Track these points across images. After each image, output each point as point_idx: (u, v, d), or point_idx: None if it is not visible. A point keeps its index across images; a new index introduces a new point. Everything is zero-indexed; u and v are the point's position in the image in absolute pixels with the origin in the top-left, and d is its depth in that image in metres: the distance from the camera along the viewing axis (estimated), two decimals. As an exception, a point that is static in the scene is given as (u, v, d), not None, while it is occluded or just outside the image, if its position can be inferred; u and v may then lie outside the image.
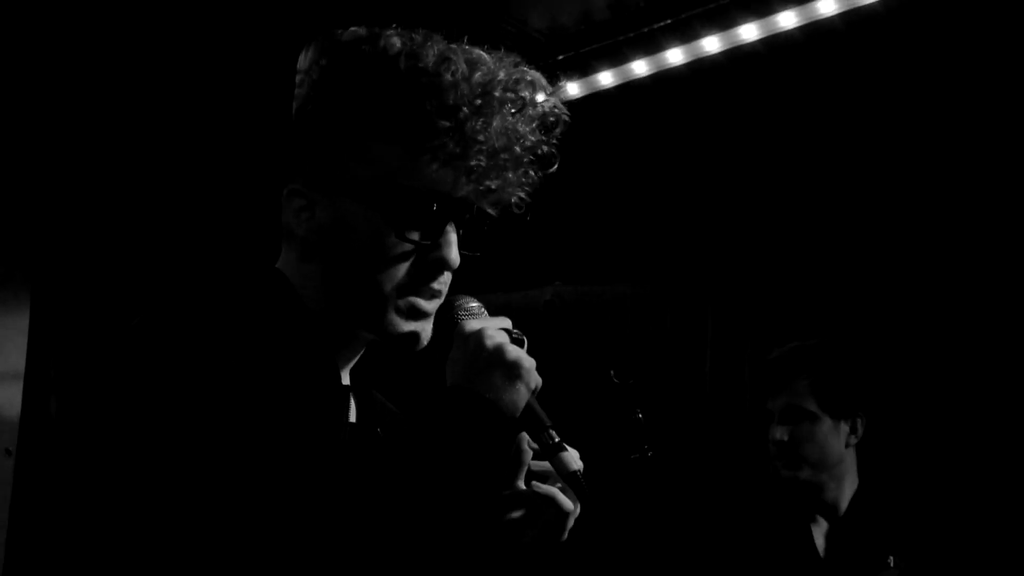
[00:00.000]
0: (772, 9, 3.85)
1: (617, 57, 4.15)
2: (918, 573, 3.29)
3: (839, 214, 4.39)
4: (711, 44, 3.98)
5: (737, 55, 4.02)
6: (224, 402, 1.49)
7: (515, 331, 1.71)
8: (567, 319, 4.24)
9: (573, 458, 1.67)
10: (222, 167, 4.57)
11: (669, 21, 3.98)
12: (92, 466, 1.55)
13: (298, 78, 1.77)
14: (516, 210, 1.79)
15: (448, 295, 1.75)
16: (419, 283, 1.71)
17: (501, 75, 1.70)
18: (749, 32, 3.92)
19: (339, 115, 1.70)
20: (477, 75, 1.67)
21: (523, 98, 1.71)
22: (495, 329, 1.67)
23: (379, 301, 1.70)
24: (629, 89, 4.24)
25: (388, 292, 1.69)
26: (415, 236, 1.68)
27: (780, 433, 3.40)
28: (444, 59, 1.66)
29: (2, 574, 4.40)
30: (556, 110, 1.77)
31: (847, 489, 3.45)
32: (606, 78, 4.22)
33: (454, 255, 1.71)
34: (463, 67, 1.66)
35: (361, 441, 1.77)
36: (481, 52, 1.71)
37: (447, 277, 1.75)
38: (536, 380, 1.66)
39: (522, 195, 1.78)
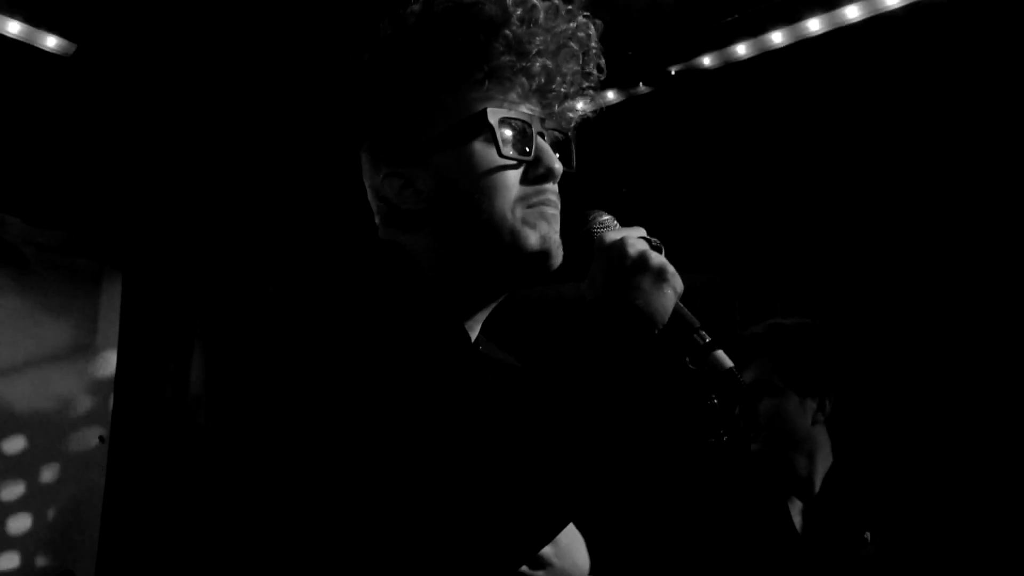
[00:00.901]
0: (840, 2, 3.92)
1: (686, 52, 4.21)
2: (894, 548, 3.32)
3: (905, 204, 4.43)
4: (776, 37, 4.04)
5: (803, 47, 4.06)
6: (366, 368, 1.48)
7: (653, 239, 1.71)
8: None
9: (724, 358, 1.67)
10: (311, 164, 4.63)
11: (737, 16, 4.04)
12: (242, 434, 1.57)
13: (347, 92, 1.84)
14: (592, 113, 1.86)
15: (581, 213, 1.76)
16: (535, 195, 1.73)
17: None
18: (814, 25, 3.97)
19: (401, 88, 1.75)
20: None
21: (556, 3, 1.76)
22: (635, 238, 1.68)
23: (506, 222, 1.71)
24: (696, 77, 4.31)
25: (510, 210, 1.70)
26: (515, 154, 1.71)
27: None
28: None
29: (97, 556, 4.54)
30: (586, 16, 1.80)
31: (820, 467, 3.45)
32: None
33: (556, 164, 1.74)
34: None
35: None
36: None
37: (555, 188, 1.76)
38: (680, 284, 1.66)
39: (590, 98, 1.83)
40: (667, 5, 4.07)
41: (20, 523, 4.41)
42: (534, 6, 1.73)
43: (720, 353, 1.66)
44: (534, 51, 1.72)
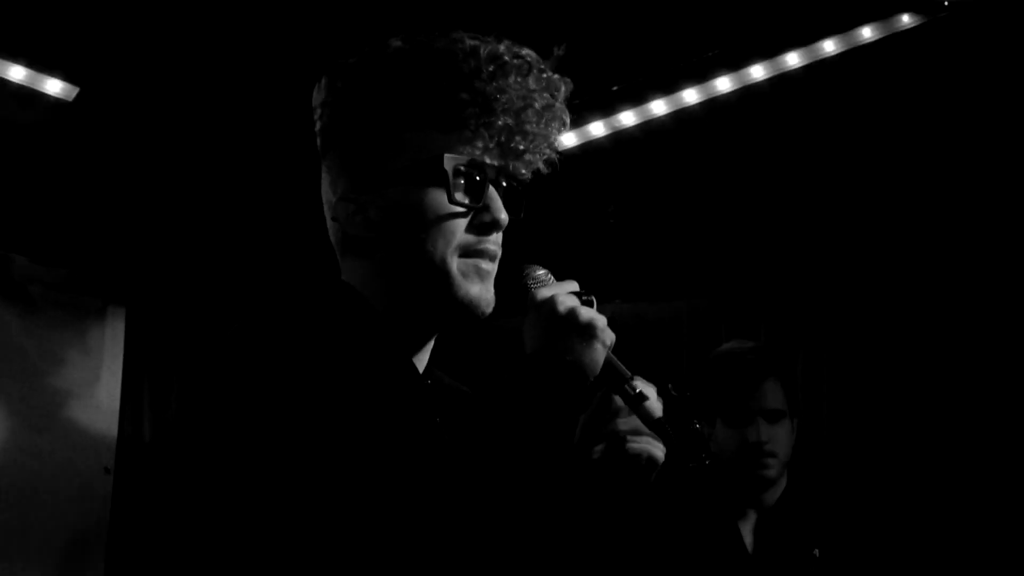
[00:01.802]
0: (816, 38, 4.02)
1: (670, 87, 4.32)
2: (841, 563, 3.39)
3: (886, 228, 4.53)
4: (757, 72, 4.16)
5: (783, 79, 4.17)
6: (316, 410, 1.56)
7: (583, 292, 1.77)
8: (627, 335, 4.40)
9: (656, 407, 1.74)
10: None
11: (719, 51, 4.15)
12: (196, 476, 1.64)
13: (317, 111, 1.89)
14: (547, 169, 1.89)
15: (515, 265, 1.83)
16: (476, 244, 1.80)
17: (503, 46, 1.79)
18: (792, 60, 4.08)
19: (369, 118, 1.81)
20: (485, 48, 1.78)
21: (529, 61, 1.80)
22: (565, 294, 1.74)
23: (442, 268, 1.77)
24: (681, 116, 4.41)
25: (449, 257, 1.77)
26: (464, 201, 1.77)
27: (766, 434, 3.46)
28: (451, 41, 1.79)
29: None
30: (556, 76, 1.83)
31: (780, 488, 3.52)
32: (659, 107, 4.38)
33: (503, 214, 1.80)
34: (469, 43, 1.78)
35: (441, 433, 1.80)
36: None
37: (499, 238, 1.83)
38: (611, 336, 1.72)
39: (549, 154, 1.87)
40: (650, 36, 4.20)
41: (26, 555, 4.45)
42: (505, 63, 1.78)
43: (650, 404, 1.74)
44: (499, 108, 1.77)
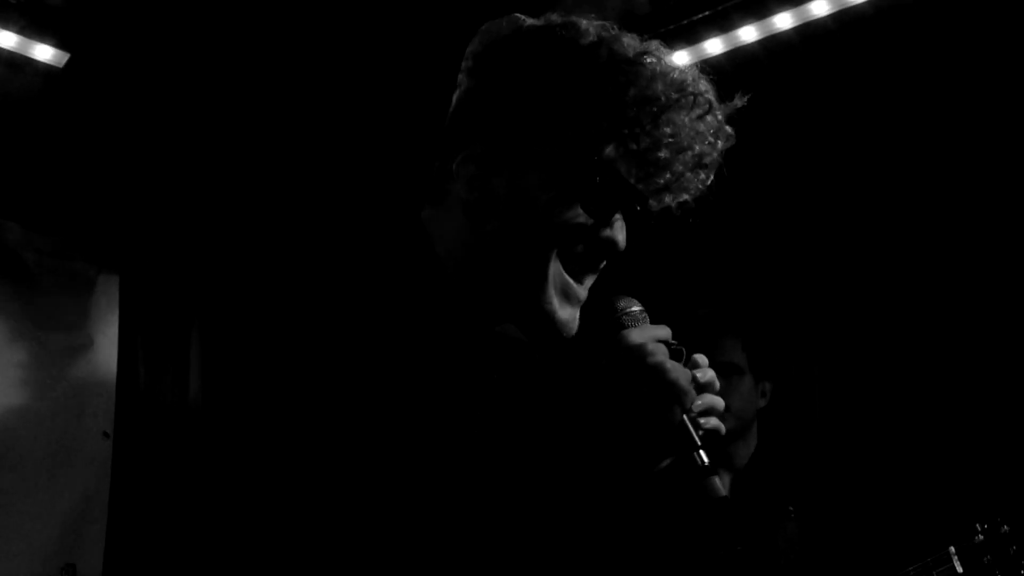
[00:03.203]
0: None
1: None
2: (815, 521, 3.49)
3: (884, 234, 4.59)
4: (748, 34, 4.18)
5: (773, 45, 4.19)
6: (361, 378, 1.53)
7: (674, 342, 1.67)
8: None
9: (720, 486, 1.66)
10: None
11: (707, 12, 4.17)
12: (235, 437, 1.60)
13: (471, 61, 1.79)
14: (676, 212, 1.80)
15: (608, 293, 1.73)
16: (585, 262, 1.73)
17: (690, 76, 1.73)
18: (784, 21, 4.11)
19: (533, 93, 1.71)
20: (675, 72, 1.70)
21: (710, 102, 1.73)
22: (655, 343, 1.64)
23: (541, 275, 1.70)
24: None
25: (552, 267, 1.70)
26: (595, 213, 1.69)
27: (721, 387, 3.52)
28: (643, 52, 1.71)
29: (105, 553, 4.62)
30: (728, 128, 1.78)
31: (750, 447, 3.59)
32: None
33: (623, 238, 1.73)
34: (663, 63, 1.70)
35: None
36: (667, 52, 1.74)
37: (602, 264, 1.76)
38: (693, 397, 1.64)
39: (687, 200, 1.79)
40: (641, 6, 4.21)
41: (25, 521, 4.47)
42: (691, 98, 1.71)
43: (715, 480, 1.66)
44: (663, 142, 1.69)
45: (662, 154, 1.70)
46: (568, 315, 1.75)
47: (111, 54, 4.25)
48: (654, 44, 1.76)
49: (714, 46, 4.22)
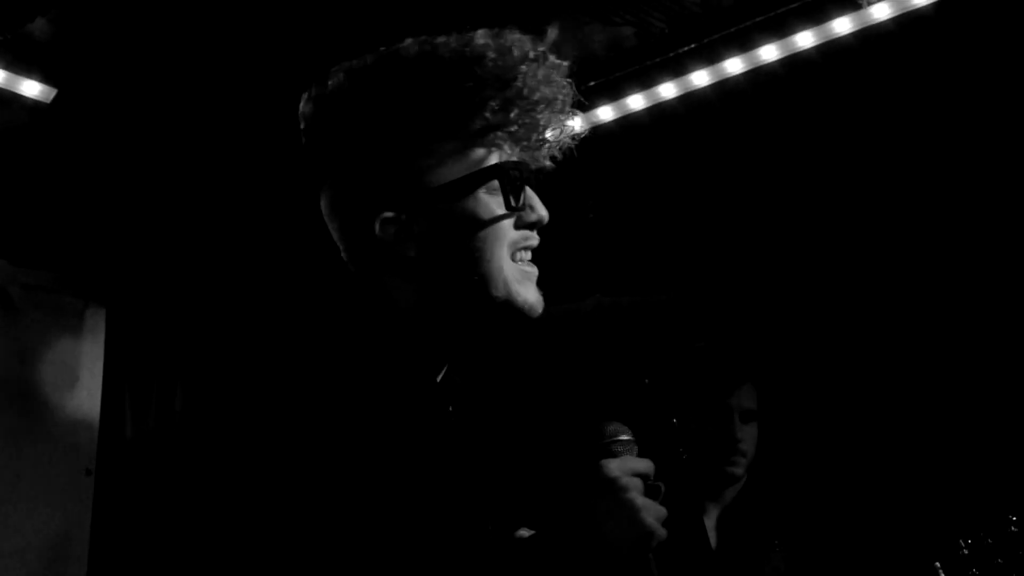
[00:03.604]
0: (791, 29, 4.03)
1: (646, 81, 4.34)
2: (800, 555, 3.47)
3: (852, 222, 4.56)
4: (734, 66, 4.18)
5: (759, 77, 4.19)
6: (313, 435, 1.59)
7: (652, 480, 1.73)
8: (608, 329, 4.42)
9: None
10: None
11: (693, 45, 4.17)
12: (183, 478, 1.69)
13: (317, 122, 1.86)
14: (567, 154, 1.93)
15: (602, 421, 1.80)
16: (523, 242, 1.84)
17: (512, 41, 1.82)
18: (769, 53, 4.09)
19: (393, 131, 1.79)
20: (496, 46, 1.80)
21: (540, 52, 1.83)
22: (631, 478, 1.71)
23: (499, 274, 1.79)
24: (657, 111, 4.42)
25: (504, 261, 1.80)
26: (514, 205, 1.79)
27: (740, 432, 3.53)
28: (462, 43, 1.81)
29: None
30: (561, 62, 1.88)
31: (739, 485, 3.59)
32: (636, 101, 4.40)
33: (544, 210, 1.85)
34: (480, 44, 1.80)
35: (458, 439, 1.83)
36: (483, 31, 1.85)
37: (535, 233, 1.87)
38: (660, 537, 1.70)
39: (569, 141, 1.92)
40: (627, 39, 4.23)
41: (7, 556, 4.45)
42: (537, 61, 1.82)
43: None
44: (523, 107, 1.80)
45: (528, 119, 1.81)
46: (533, 296, 1.85)
47: (98, 90, 4.28)
48: (477, 33, 1.84)
49: (700, 78, 4.22)
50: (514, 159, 1.83)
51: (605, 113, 4.43)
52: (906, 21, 3.88)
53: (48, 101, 4.20)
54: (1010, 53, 3.95)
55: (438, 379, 1.87)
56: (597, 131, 4.49)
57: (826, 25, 3.97)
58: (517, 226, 1.84)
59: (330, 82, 1.86)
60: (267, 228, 4.71)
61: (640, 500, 1.69)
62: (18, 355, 4.60)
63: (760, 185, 4.63)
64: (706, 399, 3.62)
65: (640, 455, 1.78)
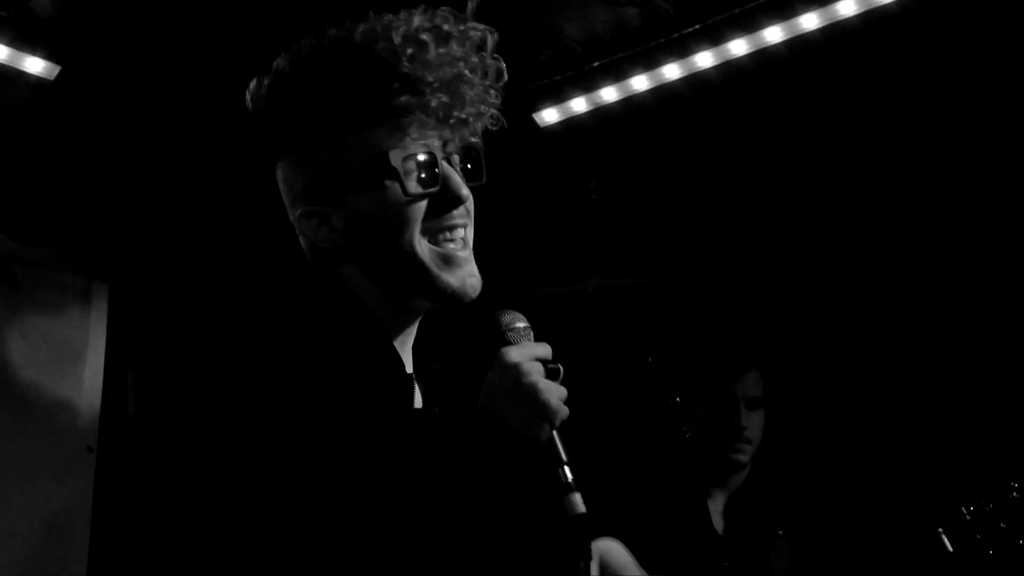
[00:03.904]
0: (795, 11, 4.01)
1: (650, 62, 4.34)
2: (803, 542, 3.51)
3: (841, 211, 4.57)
4: (739, 47, 4.17)
5: (764, 55, 4.19)
6: (296, 399, 1.61)
7: (552, 363, 1.76)
8: (611, 311, 4.43)
9: (579, 501, 1.70)
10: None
11: (698, 26, 4.17)
12: (175, 458, 1.70)
13: (254, 121, 1.91)
14: (493, 127, 1.90)
15: (498, 308, 1.82)
16: (442, 224, 1.82)
17: (418, 19, 1.81)
18: (774, 35, 4.08)
19: (306, 128, 1.83)
20: (400, 29, 1.79)
21: (447, 29, 1.81)
22: (531, 362, 1.74)
23: (414, 260, 1.80)
24: (662, 92, 4.42)
25: (417, 246, 1.80)
26: (421, 189, 1.78)
27: (746, 419, 3.56)
28: (367, 30, 1.80)
29: (87, 566, 4.60)
30: (478, 31, 1.85)
31: (745, 473, 3.64)
32: (640, 82, 4.39)
33: (463, 190, 1.82)
34: (382, 27, 1.80)
35: (426, 426, 1.83)
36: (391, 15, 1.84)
37: (464, 210, 1.85)
38: (563, 415, 1.72)
39: (493, 111, 1.88)
40: (632, 20, 4.22)
41: (10, 532, 4.46)
42: (424, 41, 1.79)
43: (574, 496, 1.70)
44: (428, 89, 1.79)
45: (437, 99, 1.79)
46: (458, 280, 1.83)
47: (102, 67, 4.27)
48: (383, 17, 1.84)
49: (704, 59, 4.21)
50: (423, 142, 1.81)
51: (609, 94, 4.42)
52: (910, 4, 3.86)
53: (52, 78, 4.20)
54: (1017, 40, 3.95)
55: (408, 371, 1.89)
56: (600, 112, 4.49)
57: (831, 7, 3.96)
58: (433, 209, 1.82)
59: (258, 83, 1.90)
60: (271, 206, 4.70)
61: (541, 382, 1.71)
62: (20, 332, 4.60)
63: (764, 168, 4.63)
64: (711, 385, 3.64)
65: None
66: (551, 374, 1.75)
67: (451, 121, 1.83)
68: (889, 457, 4.28)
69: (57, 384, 4.65)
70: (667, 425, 3.66)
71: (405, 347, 1.92)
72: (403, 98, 1.78)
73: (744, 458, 3.57)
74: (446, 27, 1.82)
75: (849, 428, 4.39)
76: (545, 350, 1.77)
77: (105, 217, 4.77)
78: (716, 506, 3.60)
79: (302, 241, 1.91)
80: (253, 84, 1.90)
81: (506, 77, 1.89)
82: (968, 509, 3.23)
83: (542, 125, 4.56)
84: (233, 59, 4.21)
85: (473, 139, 1.89)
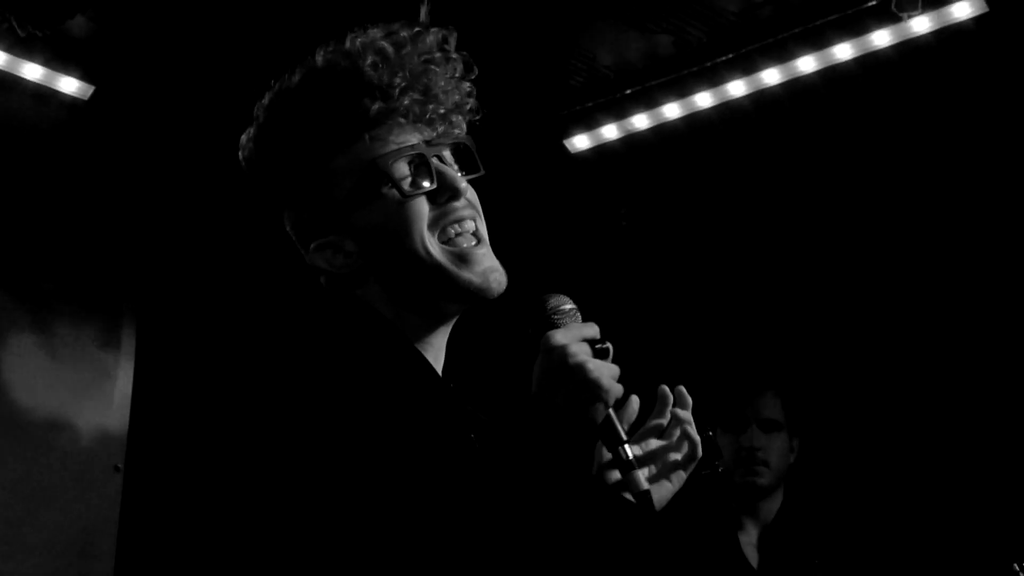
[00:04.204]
0: (829, 41, 4.01)
1: (682, 90, 4.34)
2: (840, 571, 3.44)
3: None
4: (771, 77, 4.16)
5: (796, 88, 4.17)
6: (336, 416, 1.58)
7: (600, 342, 1.72)
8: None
9: (641, 479, 1.70)
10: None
11: (731, 55, 4.17)
12: (212, 480, 1.68)
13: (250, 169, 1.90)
14: (476, 117, 1.91)
15: (544, 293, 1.78)
16: (449, 219, 1.81)
17: (374, 31, 1.83)
18: (807, 64, 4.08)
19: (292, 166, 1.82)
20: (356, 44, 1.81)
21: (404, 35, 1.83)
22: (578, 343, 1.69)
23: (431, 261, 1.78)
24: (694, 120, 4.42)
25: (430, 245, 1.78)
26: (416, 188, 1.78)
27: (758, 440, 3.51)
28: (329, 54, 1.83)
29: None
30: (434, 32, 1.87)
31: (777, 504, 3.57)
32: (672, 110, 4.39)
33: (460, 183, 1.81)
34: (342, 49, 1.82)
35: (477, 429, 1.81)
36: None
37: (467, 202, 1.83)
38: (616, 393, 1.68)
39: (470, 102, 1.90)
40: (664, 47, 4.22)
41: (36, 551, 4.47)
42: (383, 47, 1.81)
43: (637, 473, 1.70)
44: (397, 91, 1.80)
45: (408, 99, 1.80)
46: (479, 275, 1.81)
47: (136, 87, 4.30)
48: (343, 38, 1.85)
49: (737, 88, 4.21)
50: (407, 143, 1.80)
51: (640, 121, 4.42)
52: (946, 35, 3.85)
53: (86, 98, 4.24)
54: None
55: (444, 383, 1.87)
56: (632, 139, 4.48)
57: (865, 37, 3.95)
58: (434, 205, 1.80)
59: (246, 138, 1.90)
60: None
61: (590, 362, 1.66)
62: (49, 352, 4.62)
63: (796, 197, 4.61)
64: (726, 409, 3.61)
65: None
66: (600, 354, 1.70)
67: (428, 117, 1.84)
68: (929, 487, 4.22)
69: (85, 404, 4.66)
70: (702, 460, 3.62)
71: (436, 359, 1.89)
72: (376, 106, 1.79)
73: (762, 481, 3.51)
74: (403, 33, 1.84)
75: (887, 454, 4.34)
76: (592, 330, 1.73)
77: (136, 237, 4.79)
78: (749, 538, 3.54)
79: (322, 280, 1.89)
80: (243, 139, 1.91)
81: (476, 71, 1.91)
82: (1021, 566, 3.19)
83: (573, 151, 4.56)
84: (269, 79, 4.25)
85: (459, 134, 1.89)
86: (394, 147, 1.79)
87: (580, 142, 4.54)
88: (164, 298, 4.90)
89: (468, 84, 1.90)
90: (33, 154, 4.45)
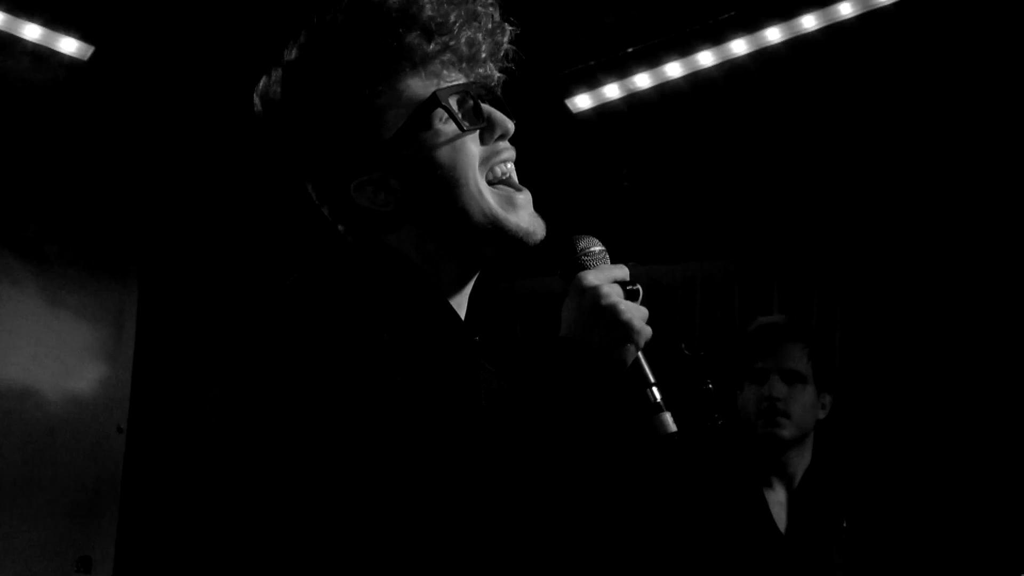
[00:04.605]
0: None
1: (684, 49, 4.29)
2: (869, 537, 3.42)
3: (900, 190, 4.53)
4: (773, 35, 4.13)
5: (799, 42, 4.15)
6: (368, 367, 1.56)
7: (631, 282, 1.74)
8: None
9: (669, 421, 1.72)
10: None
11: (733, 13, 4.12)
12: (245, 437, 1.64)
13: (278, 108, 1.86)
14: (507, 62, 1.90)
15: (573, 234, 1.80)
16: (499, 158, 1.83)
17: None
18: (810, 21, 4.05)
19: (341, 100, 1.79)
20: None
21: None
22: (610, 285, 1.71)
23: (477, 199, 1.78)
24: (696, 79, 4.39)
25: (480, 186, 1.79)
26: (471, 125, 1.78)
27: (778, 390, 3.47)
28: None
29: (115, 547, 4.63)
30: None
31: (804, 461, 3.53)
32: (674, 69, 4.36)
33: (509, 123, 1.83)
34: None
35: (503, 372, 1.84)
36: None
37: (507, 144, 1.85)
38: (647, 335, 1.71)
39: (507, 47, 1.88)
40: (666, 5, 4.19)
41: (39, 511, 4.50)
42: None
43: (664, 416, 1.72)
44: (455, 30, 1.80)
45: (462, 38, 1.81)
46: (526, 221, 1.83)
47: (136, 48, 4.28)
48: None
49: (739, 46, 4.18)
50: (460, 80, 1.82)
51: (642, 80, 4.39)
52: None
53: (85, 58, 4.22)
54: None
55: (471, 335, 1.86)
56: (634, 98, 4.46)
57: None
58: (484, 144, 1.82)
59: (275, 75, 1.88)
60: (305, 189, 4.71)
61: (622, 303, 1.68)
62: (52, 312, 4.63)
63: (798, 154, 4.60)
64: (748, 363, 3.60)
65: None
66: (630, 295, 1.72)
67: (475, 60, 1.85)
68: (965, 449, 4.21)
69: (87, 364, 4.68)
70: (699, 413, 3.62)
71: (461, 308, 1.89)
72: (431, 44, 1.79)
73: (783, 432, 3.45)
74: None
75: (927, 420, 4.32)
76: (623, 272, 1.75)
77: (138, 195, 4.78)
78: (777, 496, 3.50)
79: (350, 222, 1.88)
80: (262, 83, 1.89)
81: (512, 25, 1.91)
82: None
83: (575, 111, 4.54)
84: (272, 40, 4.22)
85: (496, 76, 1.90)
86: (449, 83, 1.80)
87: (582, 102, 4.52)
88: (168, 259, 4.90)
89: (509, 28, 1.89)
90: (33, 115, 4.44)
